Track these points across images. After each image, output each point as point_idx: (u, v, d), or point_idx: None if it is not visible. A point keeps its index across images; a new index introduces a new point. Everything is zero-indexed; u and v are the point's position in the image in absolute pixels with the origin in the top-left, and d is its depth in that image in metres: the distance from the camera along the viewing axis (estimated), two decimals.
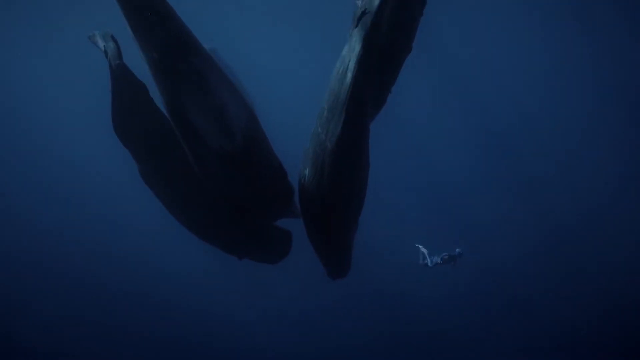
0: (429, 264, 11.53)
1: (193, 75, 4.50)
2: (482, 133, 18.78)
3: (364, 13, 4.43)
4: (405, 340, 15.11)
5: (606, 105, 17.82)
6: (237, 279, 13.92)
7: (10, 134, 17.90)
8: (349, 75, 4.41)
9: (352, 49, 4.47)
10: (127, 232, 16.56)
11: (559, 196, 17.47)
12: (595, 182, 17.24)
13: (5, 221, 16.64)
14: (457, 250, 11.44)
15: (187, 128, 4.64)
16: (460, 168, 18.31)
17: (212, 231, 5.50)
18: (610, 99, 17.80)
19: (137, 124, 5.20)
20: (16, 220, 16.76)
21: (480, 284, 15.12)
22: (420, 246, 11.72)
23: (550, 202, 17.45)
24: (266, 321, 15.35)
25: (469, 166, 18.41)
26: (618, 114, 17.64)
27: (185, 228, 5.54)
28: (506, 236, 16.04)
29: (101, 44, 5.33)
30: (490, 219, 16.90)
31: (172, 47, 4.47)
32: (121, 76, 5.11)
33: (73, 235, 16.64)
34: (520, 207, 17.50)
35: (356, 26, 4.50)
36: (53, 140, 17.64)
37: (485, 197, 17.72)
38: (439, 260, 11.52)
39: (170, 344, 15.00)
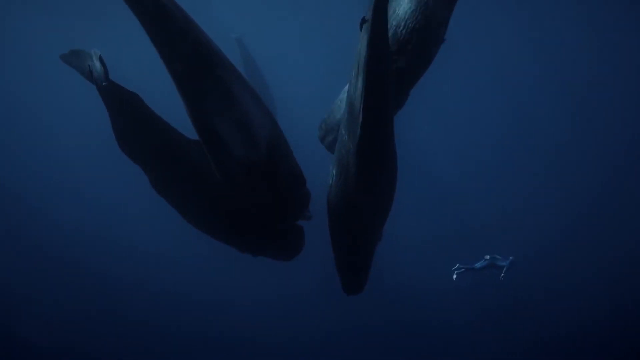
0: (463, 267, 11.37)
1: (217, 87, 4.46)
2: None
3: (364, 20, 4.34)
4: (401, 335, 15.01)
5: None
6: (232, 271, 13.88)
7: (16, 130, 18.08)
8: (360, 79, 4.34)
9: (360, 52, 4.40)
10: (127, 226, 16.60)
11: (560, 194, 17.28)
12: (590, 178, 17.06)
13: (8, 216, 16.72)
14: (510, 258, 11.29)
15: (212, 139, 4.62)
16: (462, 169, 18.11)
17: (227, 233, 5.45)
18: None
19: (141, 136, 5.10)
20: (20, 215, 16.84)
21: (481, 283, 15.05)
22: (457, 268, 11.60)
23: (552, 200, 17.26)
24: (258, 312, 15.32)
25: (471, 166, 18.21)
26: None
27: (199, 230, 5.48)
28: (509, 236, 15.90)
29: (85, 63, 5.11)
30: (491, 220, 16.72)
31: (194, 60, 4.40)
32: (112, 95, 5.00)
33: (76, 229, 16.66)
34: (523, 205, 17.27)
35: (360, 29, 4.41)
36: (58, 135, 17.74)
37: (489, 196, 17.52)
38: (478, 266, 11.34)
39: (169, 334, 14.99)
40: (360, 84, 4.32)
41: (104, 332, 14.53)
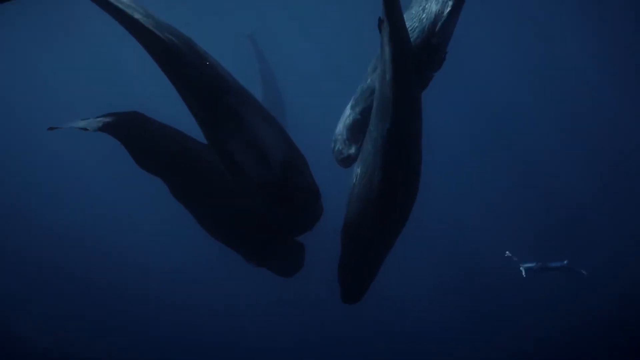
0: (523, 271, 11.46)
1: (228, 114, 4.57)
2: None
3: (381, 20, 4.41)
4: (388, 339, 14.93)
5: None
6: (228, 276, 13.83)
7: (13, 133, 18.16)
8: (387, 76, 4.40)
9: (383, 49, 4.47)
10: (125, 230, 16.56)
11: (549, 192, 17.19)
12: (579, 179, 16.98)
13: (7, 219, 16.68)
14: (564, 261, 11.38)
15: (226, 159, 4.75)
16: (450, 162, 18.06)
17: (238, 240, 5.49)
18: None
19: (157, 151, 5.14)
20: (18, 219, 16.80)
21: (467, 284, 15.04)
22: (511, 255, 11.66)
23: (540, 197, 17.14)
24: (252, 317, 15.24)
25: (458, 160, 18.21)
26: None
27: (213, 237, 5.49)
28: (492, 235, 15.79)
29: (80, 125, 4.93)
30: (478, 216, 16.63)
31: (205, 90, 4.51)
32: (116, 128, 4.96)
33: (73, 234, 16.55)
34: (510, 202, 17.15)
35: (379, 30, 4.47)
36: (56, 139, 17.66)
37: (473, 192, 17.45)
38: (532, 267, 11.45)
39: (165, 340, 14.86)
40: (388, 79, 4.38)
41: (100, 336, 14.41)
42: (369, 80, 5.40)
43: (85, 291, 15.32)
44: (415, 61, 4.61)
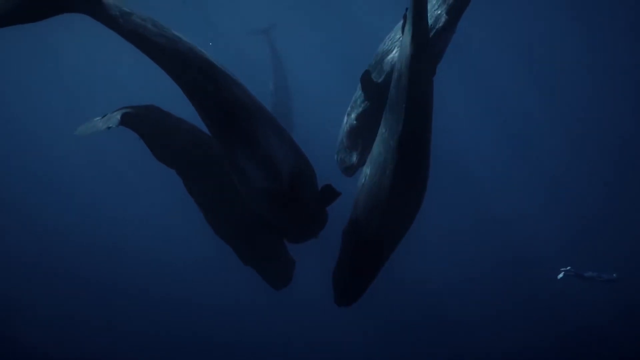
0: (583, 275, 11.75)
1: (241, 134, 4.70)
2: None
3: (405, 17, 4.43)
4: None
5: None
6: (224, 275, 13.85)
7: (14, 132, 18.43)
8: (404, 80, 4.42)
9: (402, 52, 4.48)
10: (127, 229, 16.72)
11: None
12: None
13: (7, 219, 16.93)
14: (614, 275, 11.68)
15: (236, 169, 4.88)
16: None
17: (240, 241, 5.64)
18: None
19: (173, 143, 5.26)
20: (19, 218, 17.04)
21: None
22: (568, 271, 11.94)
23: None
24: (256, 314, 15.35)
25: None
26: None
27: (219, 235, 5.63)
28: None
29: (100, 125, 5.01)
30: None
31: (221, 113, 4.61)
32: (134, 120, 5.07)
33: (75, 233, 16.80)
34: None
35: (403, 28, 4.48)
36: (54, 137, 17.63)
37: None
38: (592, 275, 11.77)
39: (166, 339, 14.86)
40: (404, 83, 4.41)
41: (103, 338, 14.56)
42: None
43: (84, 290, 15.48)
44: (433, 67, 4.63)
